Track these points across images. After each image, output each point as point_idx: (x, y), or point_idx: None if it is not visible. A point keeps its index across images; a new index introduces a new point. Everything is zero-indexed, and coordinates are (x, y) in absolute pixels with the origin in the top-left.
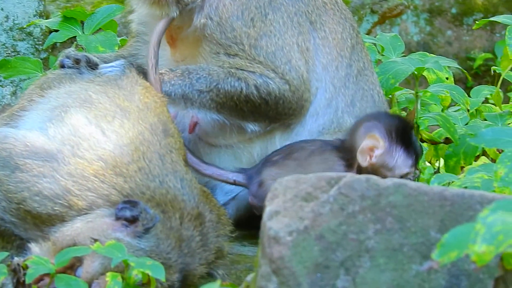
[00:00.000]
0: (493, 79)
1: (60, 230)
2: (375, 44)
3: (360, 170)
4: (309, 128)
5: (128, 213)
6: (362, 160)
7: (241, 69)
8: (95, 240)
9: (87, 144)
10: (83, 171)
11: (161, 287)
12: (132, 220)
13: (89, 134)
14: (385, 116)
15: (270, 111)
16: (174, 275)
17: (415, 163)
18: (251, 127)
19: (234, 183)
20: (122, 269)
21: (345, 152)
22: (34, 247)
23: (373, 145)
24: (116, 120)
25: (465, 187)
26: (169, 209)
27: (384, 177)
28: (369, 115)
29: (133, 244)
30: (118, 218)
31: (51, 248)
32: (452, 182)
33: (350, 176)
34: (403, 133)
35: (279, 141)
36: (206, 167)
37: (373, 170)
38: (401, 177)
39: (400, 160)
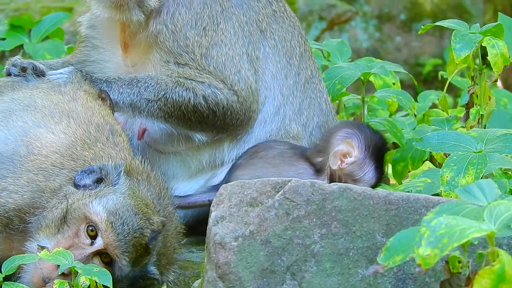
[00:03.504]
0: (443, 85)
1: (44, 218)
2: (321, 50)
3: (331, 177)
4: (256, 135)
5: (88, 180)
6: (333, 163)
7: (190, 79)
8: (42, 248)
9: (39, 143)
10: (42, 164)
11: (154, 224)
12: (97, 182)
13: (40, 134)
14: (367, 129)
15: (218, 121)
16: (161, 217)
17: (377, 184)
18: (199, 137)
19: (210, 203)
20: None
21: (316, 156)
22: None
23: (348, 152)
24: (63, 122)
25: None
26: (134, 173)
27: None
28: (351, 123)
29: (115, 189)
30: (84, 187)
31: (48, 231)
32: None
33: (295, 180)
34: (379, 152)
35: (227, 148)
36: (182, 200)
37: (340, 176)
38: None
39: (367, 176)
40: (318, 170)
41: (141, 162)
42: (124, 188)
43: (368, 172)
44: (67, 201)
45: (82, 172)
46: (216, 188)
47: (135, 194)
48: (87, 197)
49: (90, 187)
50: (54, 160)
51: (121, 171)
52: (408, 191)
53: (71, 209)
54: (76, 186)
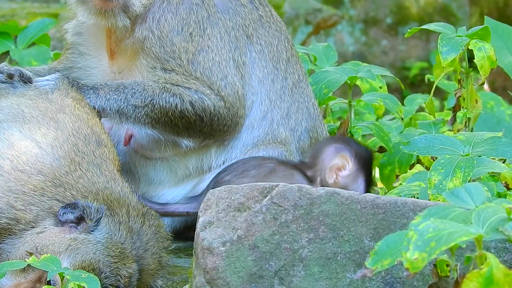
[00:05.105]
0: (429, 88)
1: (12, 245)
2: (308, 55)
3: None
4: (243, 140)
5: (71, 216)
6: (329, 176)
7: (177, 85)
8: (30, 254)
9: (25, 158)
10: (23, 186)
11: (121, 279)
12: (79, 220)
13: (25, 148)
14: (353, 142)
15: (205, 127)
16: (132, 265)
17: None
18: (186, 142)
19: (188, 215)
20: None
21: (306, 170)
22: None
23: (343, 165)
24: (50, 133)
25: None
26: (115, 205)
27: None
28: (337, 137)
29: (90, 238)
30: (64, 223)
31: None
32: None
33: (282, 185)
34: (368, 163)
35: (214, 154)
36: (160, 207)
37: None
38: None
39: (361, 187)
40: (311, 182)
41: (122, 187)
42: (101, 235)
43: (361, 184)
44: (40, 241)
45: (66, 206)
46: (196, 199)
47: (112, 239)
48: (59, 244)
49: (70, 226)
50: (36, 183)
51: (101, 217)
52: (401, 195)
53: (41, 252)
54: (58, 220)
